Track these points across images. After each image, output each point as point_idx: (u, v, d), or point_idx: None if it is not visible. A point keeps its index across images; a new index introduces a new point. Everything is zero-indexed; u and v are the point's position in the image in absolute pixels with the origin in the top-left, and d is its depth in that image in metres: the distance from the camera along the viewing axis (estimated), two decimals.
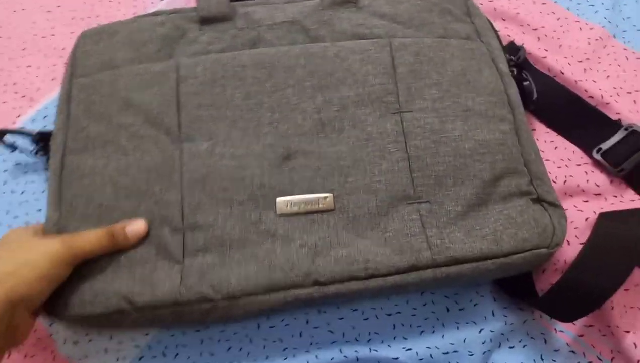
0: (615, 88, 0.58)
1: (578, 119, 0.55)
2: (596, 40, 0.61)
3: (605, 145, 0.53)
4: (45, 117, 0.59)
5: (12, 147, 0.52)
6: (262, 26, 0.52)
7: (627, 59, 0.60)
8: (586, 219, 0.51)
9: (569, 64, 0.59)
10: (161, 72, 0.49)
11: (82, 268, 0.42)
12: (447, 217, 0.44)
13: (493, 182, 0.45)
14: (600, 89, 0.57)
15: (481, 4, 0.64)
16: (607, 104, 0.56)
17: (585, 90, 0.57)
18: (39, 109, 0.60)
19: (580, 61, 0.59)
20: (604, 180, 0.53)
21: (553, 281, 0.48)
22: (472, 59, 0.50)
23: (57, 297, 0.42)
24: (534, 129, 0.56)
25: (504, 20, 0.63)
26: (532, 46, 0.60)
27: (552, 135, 0.56)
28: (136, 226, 0.44)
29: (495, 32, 0.54)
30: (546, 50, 0.60)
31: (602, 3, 0.64)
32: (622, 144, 0.53)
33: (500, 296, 0.49)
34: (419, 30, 0.52)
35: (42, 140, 0.52)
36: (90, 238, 0.42)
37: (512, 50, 0.53)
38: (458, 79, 0.49)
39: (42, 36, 0.65)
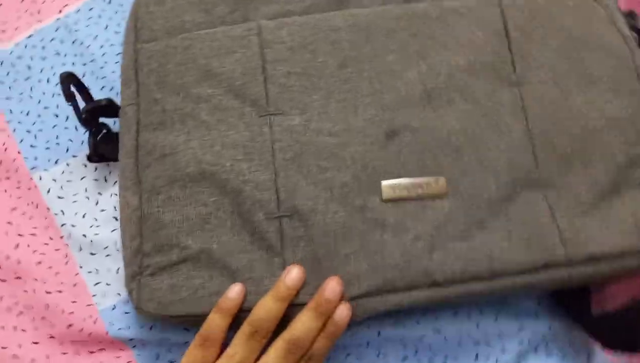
0: None
1: None
2: None
3: None
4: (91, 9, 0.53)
5: (71, 97, 0.43)
6: None
7: None
8: None
9: None
10: (241, 36, 0.43)
11: (175, 259, 0.38)
12: (578, 204, 0.39)
13: (628, 166, 0.40)
14: None
15: None
16: None
17: None
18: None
19: None
20: None
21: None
22: (591, 21, 0.44)
23: (150, 293, 0.37)
24: None
25: None
26: None
27: None
28: (293, 273, 0.37)
29: None
30: None
31: None
32: None
33: (548, 300, 0.44)
34: None
35: (90, 112, 0.44)
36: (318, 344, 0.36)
37: (630, 16, 0.47)
38: (579, 44, 0.43)
39: None
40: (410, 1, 0.45)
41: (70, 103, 0.42)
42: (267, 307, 0.36)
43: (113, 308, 0.43)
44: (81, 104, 0.44)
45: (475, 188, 0.40)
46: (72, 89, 0.42)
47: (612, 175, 0.40)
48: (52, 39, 0.52)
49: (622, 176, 0.40)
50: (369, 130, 0.41)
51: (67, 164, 0.48)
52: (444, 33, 0.43)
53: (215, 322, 0.36)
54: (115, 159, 0.43)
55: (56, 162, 0.48)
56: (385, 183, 0.40)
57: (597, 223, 0.39)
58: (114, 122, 0.47)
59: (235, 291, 0.37)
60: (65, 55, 0.52)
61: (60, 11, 0.54)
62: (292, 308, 0.37)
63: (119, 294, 0.43)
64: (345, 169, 0.40)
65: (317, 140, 0.40)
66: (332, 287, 0.36)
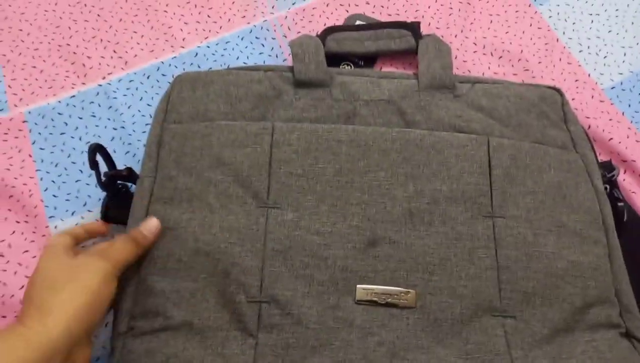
0: None
1: None
2: None
3: None
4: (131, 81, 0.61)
5: (95, 165, 0.48)
6: (358, 100, 0.52)
7: None
8: None
9: None
10: (256, 133, 0.49)
11: (157, 326, 0.42)
12: (533, 338, 0.43)
13: (583, 308, 0.44)
14: None
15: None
16: None
17: None
18: (129, 72, 0.62)
19: None
20: None
21: None
22: (569, 172, 0.49)
23: (128, 353, 0.40)
24: None
25: (594, 140, 0.59)
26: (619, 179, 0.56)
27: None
28: (150, 223, 0.45)
29: (591, 143, 0.53)
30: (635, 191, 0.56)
31: None
32: None
33: None
34: (516, 131, 0.51)
35: (110, 177, 0.49)
36: (120, 247, 0.43)
37: (606, 167, 0.52)
38: (554, 191, 0.48)
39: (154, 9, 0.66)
40: (410, 126, 0.51)
41: (93, 169, 0.47)
42: (124, 242, 0.43)
43: (97, 360, 0.47)
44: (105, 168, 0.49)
45: (441, 307, 0.43)
46: (98, 157, 0.48)
47: (568, 316, 0.44)
48: (91, 102, 0.59)
49: (577, 318, 0.44)
50: (352, 236, 0.45)
51: (82, 217, 0.53)
52: (433, 160, 0.48)
53: None
54: (125, 223, 0.48)
55: (73, 214, 0.53)
56: (360, 286, 0.44)
57: (549, 358, 0.42)
58: (130, 186, 0.52)
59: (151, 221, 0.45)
60: (100, 118, 0.58)
61: (104, 78, 0.61)
62: None
63: (103, 347, 0.47)
64: (326, 268, 0.44)
65: (305, 237, 0.45)
66: (151, 225, 0.45)
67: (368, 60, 0.62)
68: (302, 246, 0.45)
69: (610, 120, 0.60)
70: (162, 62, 0.62)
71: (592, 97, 0.62)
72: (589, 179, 0.50)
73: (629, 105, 0.62)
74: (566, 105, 0.54)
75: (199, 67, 0.62)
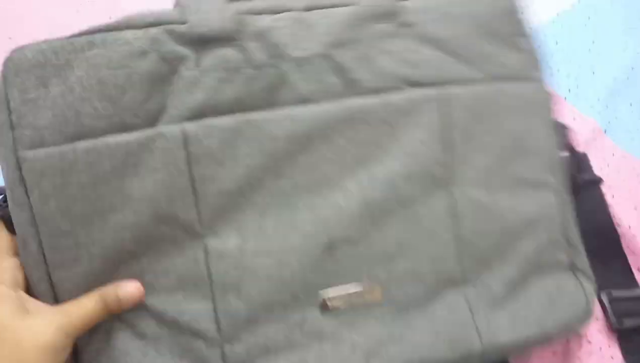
0: None
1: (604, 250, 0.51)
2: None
3: (618, 293, 0.51)
4: None
5: None
6: (285, 60, 0.39)
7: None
8: None
9: None
10: (163, 149, 0.37)
11: None
12: (494, 301, 0.44)
13: (536, 256, 0.45)
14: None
15: None
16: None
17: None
18: None
19: None
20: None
21: None
22: (527, 111, 0.44)
23: None
24: None
25: None
26: None
27: None
28: (129, 289, 0.37)
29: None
30: None
31: None
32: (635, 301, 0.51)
33: None
34: (472, 66, 0.43)
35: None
36: (86, 304, 0.36)
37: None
38: (511, 141, 0.44)
39: None
40: (352, 88, 0.41)
41: None
42: (90, 301, 0.36)
43: None
44: None
45: (406, 293, 0.42)
46: None
47: (524, 269, 0.45)
48: None
49: (531, 268, 0.45)
50: (307, 247, 0.40)
51: None
52: (384, 136, 0.41)
53: None
54: None
55: None
56: (322, 295, 0.41)
57: (509, 317, 0.44)
58: None
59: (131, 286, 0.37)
60: None
61: None
62: None
63: None
64: (285, 288, 0.40)
65: (255, 263, 0.39)
66: (131, 291, 0.37)
67: None
68: (254, 273, 0.39)
69: None
70: None
71: None
72: (547, 113, 0.45)
73: None
74: (520, 14, 0.45)
75: None
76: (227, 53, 0.39)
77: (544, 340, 0.45)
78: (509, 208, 0.44)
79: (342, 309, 0.41)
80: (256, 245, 0.39)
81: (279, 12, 0.40)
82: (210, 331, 0.39)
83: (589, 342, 0.50)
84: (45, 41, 0.37)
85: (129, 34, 0.37)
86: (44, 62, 0.36)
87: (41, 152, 0.36)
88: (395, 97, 0.41)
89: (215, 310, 0.39)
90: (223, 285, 0.39)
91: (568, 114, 0.60)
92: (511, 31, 0.45)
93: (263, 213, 0.39)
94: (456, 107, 0.42)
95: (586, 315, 0.46)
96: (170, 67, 0.38)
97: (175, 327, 0.39)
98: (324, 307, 0.41)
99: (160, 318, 0.38)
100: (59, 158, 0.36)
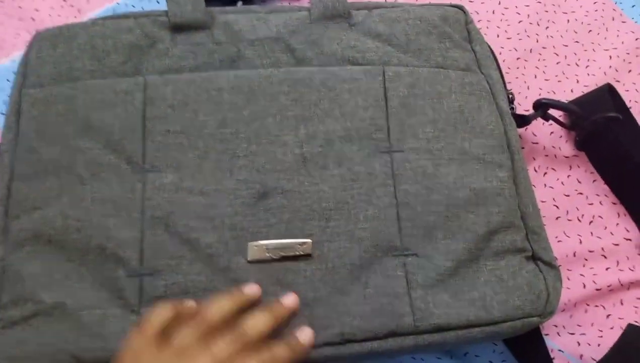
0: None
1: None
2: None
3: None
4: None
5: None
6: (242, 41, 0.47)
7: None
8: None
9: None
10: (126, 90, 0.44)
11: (27, 313, 0.38)
12: (435, 274, 0.40)
13: (487, 236, 0.42)
14: None
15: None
16: None
17: None
18: None
19: None
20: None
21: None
22: (471, 95, 0.46)
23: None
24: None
25: None
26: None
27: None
28: (307, 331, 0.38)
29: (496, 61, 0.49)
30: None
31: None
32: None
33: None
34: (416, 57, 0.47)
35: None
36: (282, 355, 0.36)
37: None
38: (455, 117, 0.45)
39: None
40: (300, 64, 0.46)
41: None
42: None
43: None
44: None
45: (339, 254, 0.41)
46: None
47: (472, 246, 0.41)
48: None
49: (480, 247, 0.42)
50: (240, 192, 0.41)
51: None
52: (325, 99, 0.44)
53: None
54: None
55: None
56: (251, 244, 0.40)
57: (450, 293, 0.40)
58: None
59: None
60: None
61: None
62: None
63: None
64: (213, 230, 0.40)
65: (188, 200, 0.41)
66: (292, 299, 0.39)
67: None
68: (185, 209, 0.41)
69: None
70: None
71: None
72: (493, 100, 0.47)
73: None
74: (470, 23, 0.50)
75: None
76: (197, 35, 0.47)
77: (490, 329, 0.40)
78: (456, 181, 0.43)
79: (270, 262, 0.40)
80: (192, 183, 0.42)
81: (244, 13, 0.49)
82: (132, 260, 0.40)
83: None
84: (68, 24, 0.48)
85: (123, 20, 0.48)
86: (58, 34, 0.47)
87: (38, 90, 0.44)
88: (338, 69, 0.45)
89: (141, 240, 0.40)
90: (153, 217, 0.41)
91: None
92: (460, 36, 0.49)
93: (203, 157, 0.42)
94: (397, 82, 0.45)
95: (545, 307, 0.40)
96: (148, 41, 0.46)
97: (102, 254, 0.40)
98: (251, 256, 0.40)
99: (88, 243, 0.40)
100: (49, 93, 0.44)
